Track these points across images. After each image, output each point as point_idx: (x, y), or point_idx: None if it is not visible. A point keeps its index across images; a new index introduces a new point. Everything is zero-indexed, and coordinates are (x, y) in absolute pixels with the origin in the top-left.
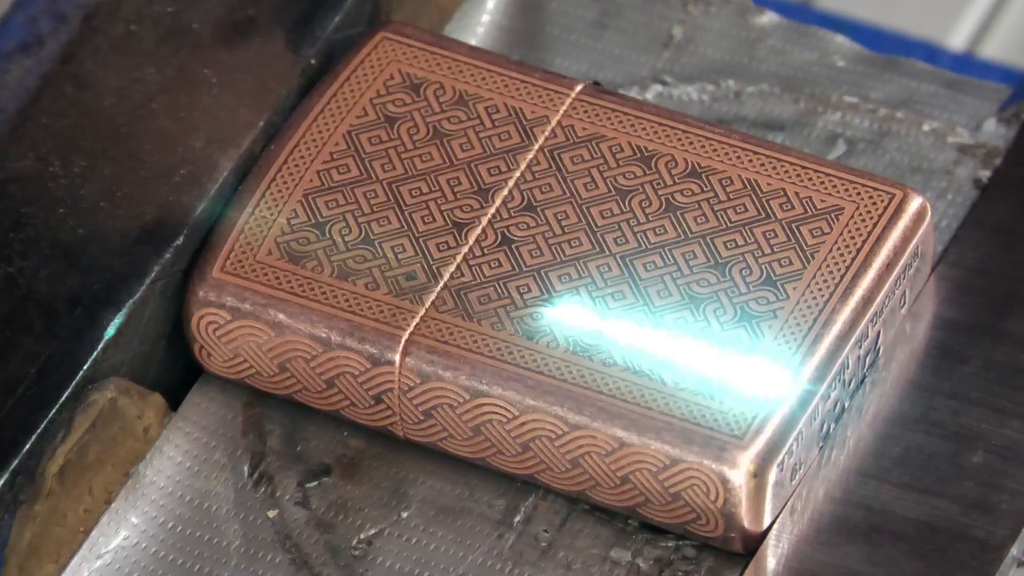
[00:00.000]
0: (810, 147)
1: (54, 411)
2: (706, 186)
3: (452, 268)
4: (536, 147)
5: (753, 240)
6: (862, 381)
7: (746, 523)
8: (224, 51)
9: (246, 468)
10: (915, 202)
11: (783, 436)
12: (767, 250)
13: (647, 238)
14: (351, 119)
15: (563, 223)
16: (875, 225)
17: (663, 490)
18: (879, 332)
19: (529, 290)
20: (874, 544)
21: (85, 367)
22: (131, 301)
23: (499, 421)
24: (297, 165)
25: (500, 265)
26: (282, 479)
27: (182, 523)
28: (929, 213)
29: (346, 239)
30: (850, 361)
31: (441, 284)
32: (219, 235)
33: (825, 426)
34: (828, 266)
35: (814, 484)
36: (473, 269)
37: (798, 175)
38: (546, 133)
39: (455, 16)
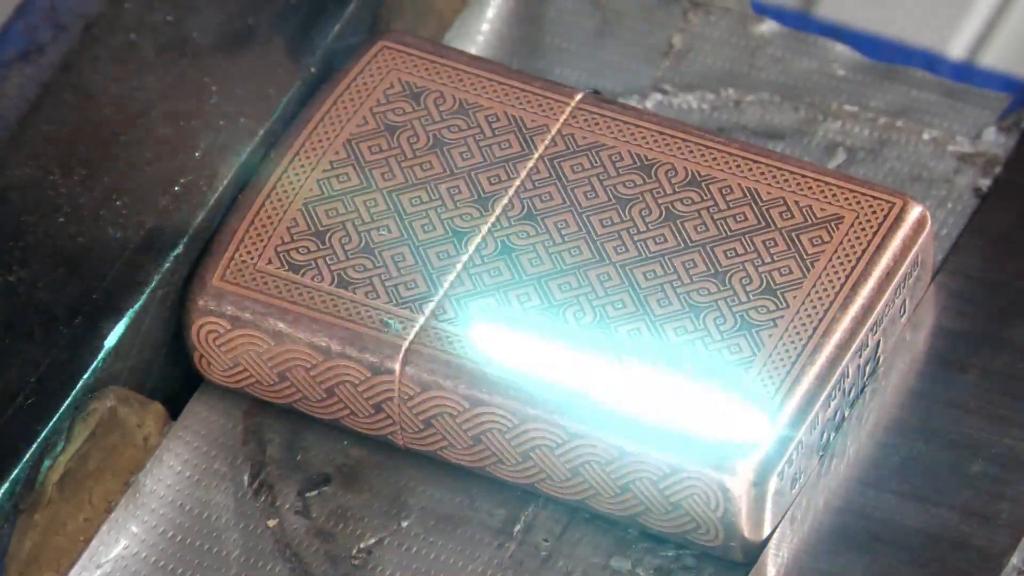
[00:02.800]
0: (810, 156)
1: (54, 420)
2: (706, 195)
3: (452, 277)
4: (536, 156)
5: (753, 249)
6: (862, 390)
7: (746, 532)
8: (224, 60)
9: (246, 477)
10: (915, 211)
11: (783, 445)
12: (767, 259)
13: (647, 247)
14: (351, 128)
15: (563, 232)
16: (875, 234)
17: (663, 499)
18: (879, 341)
19: (529, 299)
20: (874, 553)
21: (85, 376)
22: (131, 310)
23: (499, 430)
24: (297, 174)
25: (500, 274)
26: (282, 488)
27: (182, 532)
28: (929, 222)
29: (346, 248)
30: (850, 370)
31: (441, 293)
32: (219, 244)
33: (825, 435)
34: (828, 275)
35: (814, 493)
36: (473, 278)
37: (798, 184)
38: (546, 142)
39: (455, 25)
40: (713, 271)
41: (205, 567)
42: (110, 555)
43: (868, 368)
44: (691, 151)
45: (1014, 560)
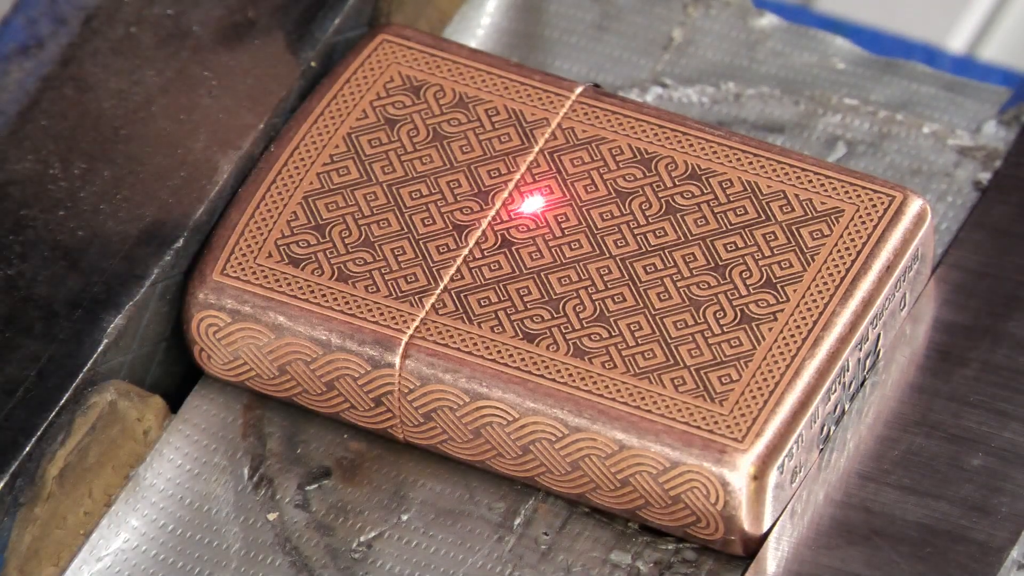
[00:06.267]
0: (810, 149)
1: (54, 413)
2: (706, 188)
3: (452, 270)
4: (536, 149)
5: (753, 242)
6: (862, 383)
7: (746, 526)
8: (224, 53)
9: (246, 471)
10: (915, 204)
11: (783, 439)
12: (767, 252)
13: (647, 240)
14: (351, 121)
15: (563, 225)
16: (875, 227)
17: (663, 493)
18: (879, 334)
19: (529, 292)
20: (874, 547)
21: (85, 369)
22: (131, 303)
23: (499, 424)
24: (297, 167)
25: (500, 267)
26: (282, 482)
27: (182, 526)
28: (929, 215)
29: (346, 241)
30: (850, 363)
31: (441, 287)
32: (219, 237)
33: (825, 428)
34: (828, 268)
35: (814, 487)
36: (473, 271)
37: (798, 177)
38: (546, 135)
39: (455, 18)
40: (713, 264)
41: (205, 560)
42: (110, 548)
43: (868, 362)
44: (691, 145)
45: (1014, 554)
